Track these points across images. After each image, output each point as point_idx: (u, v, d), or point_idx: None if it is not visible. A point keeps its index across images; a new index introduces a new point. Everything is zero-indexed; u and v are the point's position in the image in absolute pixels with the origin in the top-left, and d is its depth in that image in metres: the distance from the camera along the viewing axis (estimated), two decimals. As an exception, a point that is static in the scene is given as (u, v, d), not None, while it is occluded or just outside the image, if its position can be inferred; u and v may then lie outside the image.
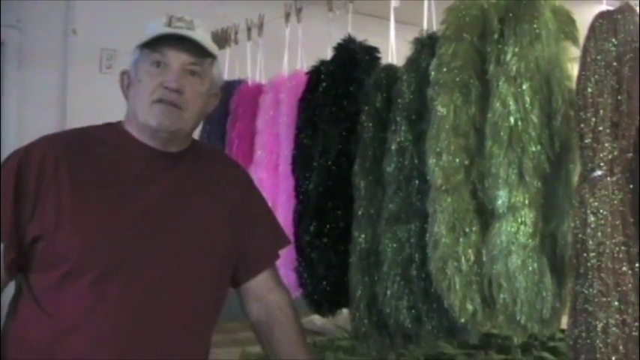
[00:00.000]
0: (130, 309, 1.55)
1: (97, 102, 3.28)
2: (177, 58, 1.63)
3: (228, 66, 3.33)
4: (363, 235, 2.19)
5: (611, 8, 1.66)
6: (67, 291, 1.53)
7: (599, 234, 1.55)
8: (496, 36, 1.83)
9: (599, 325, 1.54)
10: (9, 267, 1.57)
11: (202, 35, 1.66)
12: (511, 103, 1.75)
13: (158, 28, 1.63)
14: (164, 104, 1.61)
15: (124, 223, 1.58)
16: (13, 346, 1.57)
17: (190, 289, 1.63)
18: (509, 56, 1.77)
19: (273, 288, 1.83)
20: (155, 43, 1.62)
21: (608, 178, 1.57)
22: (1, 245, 1.55)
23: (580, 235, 1.58)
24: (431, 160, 1.88)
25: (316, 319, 3.38)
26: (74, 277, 1.53)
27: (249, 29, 3.28)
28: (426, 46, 2.07)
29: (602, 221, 1.55)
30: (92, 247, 1.54)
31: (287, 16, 2.98)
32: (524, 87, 1.75)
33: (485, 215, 1.84)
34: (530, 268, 1.72)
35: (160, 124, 1.61)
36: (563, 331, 2.40)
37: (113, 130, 1.70)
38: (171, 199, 1.65)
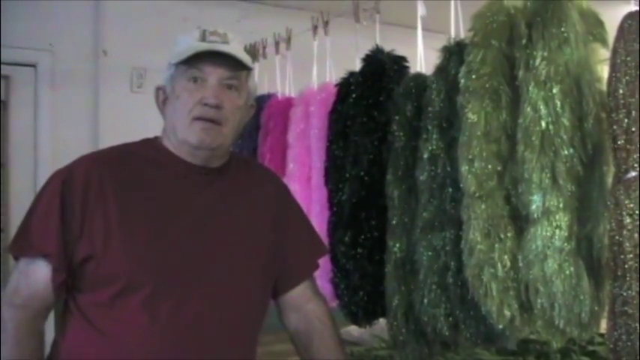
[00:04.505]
0: (183, 325, 1.56)
1: (129, 121, 3.33)
2: (214, 74, 1.62)
3: (257, 80, 3.34)
4: (397, 244, 2.19)
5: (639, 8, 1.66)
6: (119, 310, 1.54)
7: (636, 235, 1.54)
8: (524, 41, 1.83)
9: (640, 327, 1.53)
10: (58, 288, 1.58)
11: (237, 48, 1.65)
12: (542, 107, 1.75)
13: (192, 42, 1.62)
14: (204, 121, 1.61)
15: (171, 240, 1.59)
16: None
17: (239, 303, 1.65)
18: (538, 60, 1.77)
19: (312, 298, 1.83)
20: (191, 58, 1.61)
21: (643, 179, 1.56)
22: (51, 267, 1.56)
23: (616, 237, 1.58)
24: (463, 167, 1.88)
25: (353, 330, 3.37)
26: (125, 295, 1.54)
27: (277, 43, 3.30)
28: (454, 53, 2.08)
29: (639, 222, 1.54)
30: (141, 265, 1.55)
31: (314, 28, 3.00)
32: (555, 91, 1.74)
33: (520, 220, 1.83)
34: (567, 272, 1.71)
35: (200, 141, 1.61)
36: (602, 335, 2.38)
37: (152, 146, 1.70)
38: (214, 214, 1.66)
